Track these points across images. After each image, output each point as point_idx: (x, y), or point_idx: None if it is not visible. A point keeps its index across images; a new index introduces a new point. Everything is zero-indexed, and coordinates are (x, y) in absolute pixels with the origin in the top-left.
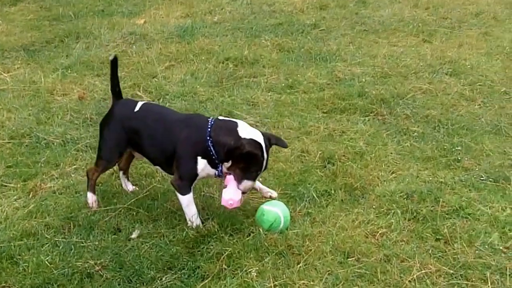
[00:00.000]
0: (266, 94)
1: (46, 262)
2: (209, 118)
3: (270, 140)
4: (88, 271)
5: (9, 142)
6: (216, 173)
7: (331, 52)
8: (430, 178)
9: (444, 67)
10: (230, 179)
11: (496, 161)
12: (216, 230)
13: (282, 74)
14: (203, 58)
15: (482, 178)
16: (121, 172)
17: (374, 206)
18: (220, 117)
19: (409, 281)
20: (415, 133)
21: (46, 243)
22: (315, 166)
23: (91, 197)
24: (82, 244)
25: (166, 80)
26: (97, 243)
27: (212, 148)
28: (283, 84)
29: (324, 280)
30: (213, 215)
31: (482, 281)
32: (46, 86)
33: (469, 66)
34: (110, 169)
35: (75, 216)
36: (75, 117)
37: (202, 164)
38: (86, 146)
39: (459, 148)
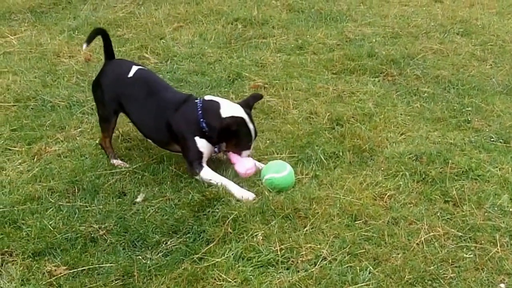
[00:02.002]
0: (275, 55)
1: (50, 226)
2: (197, 100)
3: (250, 103)
4: (92, 235)
5: (15, 105)
6: (216, 150)
7: (342, 12)
8: (440, 139)
9: (455, 27)
10: (233, 155)
11: (507, 121)
12: (222, 193)
13: (292, 35)
14: (212, 18)
15: (492, 139)
16: None
17: (382, 168)
18: (207, 97)
19: (417, 243)
20: (425, 94)
21: (50, 208)
22: (323, 128)
23: (116, 162)
24: (86, 208)
25: (174, 41)
26: (101, 207)
27: (206, 129)
28: (293, 45)
29: (330, 243)
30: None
31: (491, 243)
32: (53, 48)
33: (480, 26)
34: (116, 132)
35: (80, 179)
36: (81, 79)
37: (201, 143)
38: (92, 108)
39: (469, 108)
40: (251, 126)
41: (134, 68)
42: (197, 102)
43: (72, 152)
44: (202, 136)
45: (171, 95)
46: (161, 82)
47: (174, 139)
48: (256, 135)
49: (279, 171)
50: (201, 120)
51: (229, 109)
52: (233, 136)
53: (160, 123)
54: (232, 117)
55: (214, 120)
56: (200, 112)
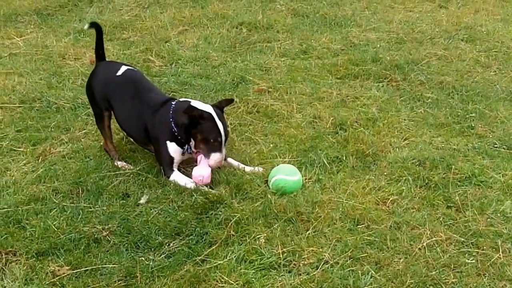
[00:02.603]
0: (279, 59)
1: (53, 227)
2: (173, 102)
3: (221, 105)
4: (96, 236)
5: (20, 106)
6: (184, 151)
7: (346, 17)
8: (443, 145)
9: (460, 33)
10: (200, 158)
11: (510, 128)
12: (224, 196)
13: (296, 39)
14: (216, 22)
15: (495, 145)
16: None
17: (385, 173)
18: (181, 99)
19: (419, 248)
20: (429, 100)
21: (54, 208)
22: (326, 132)
23: (120, 164)
24: (90, 209)
25: (179, 44)
26: (105, 208)
27: (176, 129)
28: (297, 50)
29: (332, 247)
30: (222, 181)
31: (493, 249)
32: (58, 50)
33: (485, 32)
34: (120, 134)
35: (84, 181)
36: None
37: (172, 147)
38: None
39: (473, 114)
40: (219, 122)
41: (123, 68)
42: (172, 104)
43: (77, 154)
44: (172, 139)
45: (152, 98)
46: (147, 83)
47: (151, 141)
48: (226, 136)
49: (291, 174)
50: (171, 120)
51: (197, 105)
52: (199, 131)
53: (140, 124)
54: (198, 109)
55: (182, 117)
56: (171, 112)
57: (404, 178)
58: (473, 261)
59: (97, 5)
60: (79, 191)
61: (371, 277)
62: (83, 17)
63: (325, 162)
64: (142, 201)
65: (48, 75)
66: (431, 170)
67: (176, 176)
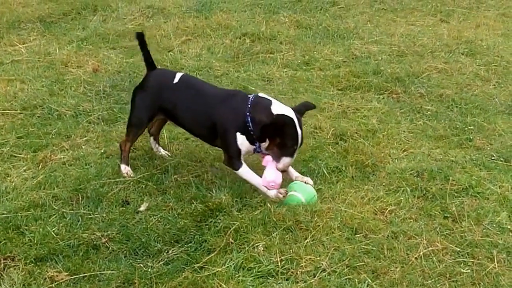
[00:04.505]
0: (281, 70)
1: (52, 233)
2: (250, 95)
3: (301, 110)
4: (95, 242)
5: (21, 113)
6: (255, 149)
7: (349, 30)
8: (441, 157)
9: (461, 47)
10: (268, 160)
11: (508, 141)
12: (224, 204)
13: (299, 50)
14: (220, 33)
15: (493, 158)
16: (151, 138)
17: (384, 184)
18: (260, 94)
19: (416, 258)
20: (429, 112)
21: (53, 214)
22: (327, 143)
23: (124, 168)
24: (89, 216)
25: (182, 54)
26: (104, 215)
27: (250, 124)
28: (299, 61)
29: (330, 255)
30: (221, 189)
31: (489, 259)
32: (61, 58)
33: (485, 47)
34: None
35: (84, 188)
36: (88, 89)
37: (240, 140)
38: (98, 118)
39: (471, 127)
40: (299, 130)
41: (179, 75)
42: (248, 97)
43: (77, 161)
44: (243, 132)
45: (218, 90)
46: (205, 82)
47: (218, 135)
48: (302, 142)
49: (309, 199)
50: (247, 114)
51: (281, 108)
52: (278, 135)
53: (207, 120)
54: (283, 115)
55: (262, 115)
56: (249, 106)
57: (402, 188)
58: (469, 270)
59: (101, 13)
60: (79, 198)
61: (367, 286)
62: (86, 26)
63: (325, 172)
64: (142, 208)
65: (50, 82)
66: (429, 181)
67: (246, 171)
